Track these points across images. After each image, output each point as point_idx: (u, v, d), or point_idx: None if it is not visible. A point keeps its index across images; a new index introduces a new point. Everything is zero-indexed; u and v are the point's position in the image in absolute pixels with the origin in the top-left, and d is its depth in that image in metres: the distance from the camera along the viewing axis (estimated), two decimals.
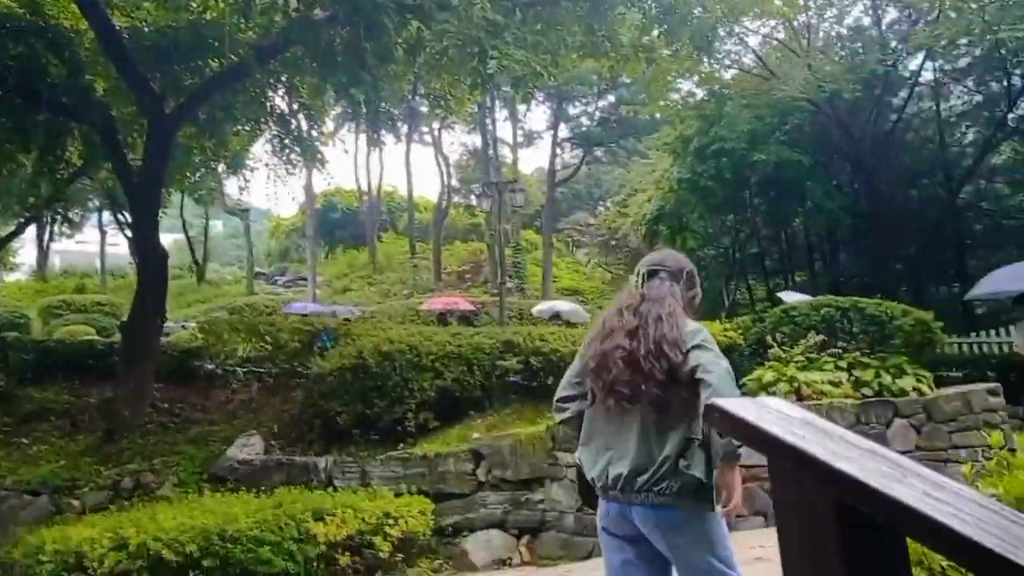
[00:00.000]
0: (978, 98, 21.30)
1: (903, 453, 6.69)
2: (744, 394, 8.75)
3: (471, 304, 21.19)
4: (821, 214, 19.86)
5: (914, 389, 8.44)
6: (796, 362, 8.71)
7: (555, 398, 3.24)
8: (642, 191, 24.72)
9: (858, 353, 8.75)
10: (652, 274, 3.14)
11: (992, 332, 16.26)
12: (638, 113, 29.69)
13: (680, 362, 2.82)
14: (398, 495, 9.41)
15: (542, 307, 21.26)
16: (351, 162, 53.05)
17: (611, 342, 2.96)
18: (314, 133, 15.95)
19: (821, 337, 8.79)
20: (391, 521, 8.88)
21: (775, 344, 8.96)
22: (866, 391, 8.42)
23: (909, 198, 21.49)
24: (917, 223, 20.59)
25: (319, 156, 15.73)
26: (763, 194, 20.81)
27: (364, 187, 41.24)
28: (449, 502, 9.46)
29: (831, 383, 8.47)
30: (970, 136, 22.06)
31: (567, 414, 3.19)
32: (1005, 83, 19.32)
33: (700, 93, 21.08)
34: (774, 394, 8.49)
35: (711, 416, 1.45)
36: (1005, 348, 15.77)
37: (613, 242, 37.37)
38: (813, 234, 23.25)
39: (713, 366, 2.77)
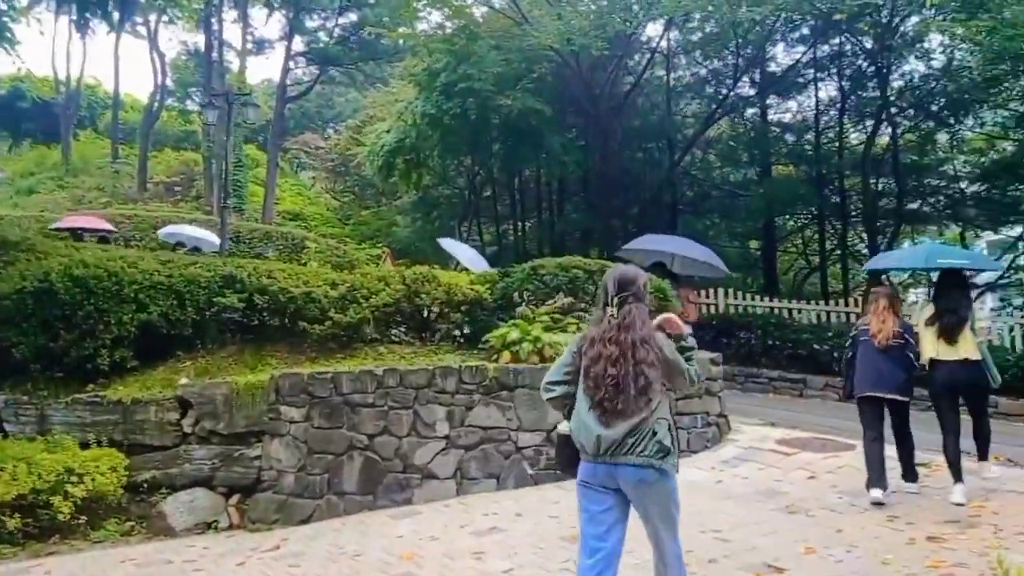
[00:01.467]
0: (703, 72, 22.64)
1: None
2: (483, 349, 8.36)
3: (109, 225, 18.20)
4: (555, 165, 20.18)
5: None
6: (541, 322, 8.48)
7: (544, 381, 3.96)
8: (381, 120, 23.73)
9: None
10: (623, 301, 3.78)
11: (700, 293, 17.48)
12: (381, 37, 28.34)
13: (654, 378, 3.66)
14: (84, 446, 8.12)
15: (167, 231, 18.06)
16: (47, 46, 46.04)
17: (601, 367, 3.68)
18: (3, 6, 13.30)
19: (569, 299, 8.63)
20: (74, 478, 7.62)
21: (522, 302, 8.68)
22: None
23: (636, 160, 22.50)
24: (640, 185, 21.63)
25: (8, 35, 13.17)
26: (503, 139, 20.73)
27: (62, 76, 35.94)
28: (147, 455, 8.33)
29: None
30: (693, 107, 23.49)
31: (554, 394, 3.92)
32: (731, 61, 20.65)
33: (449, 26, 20.36)
34: (517, 353, 8.21)
35: None
36: (704, 309, 17.06)
37: (343, 169, 35.98)
38: (545, 184, 23.69)
39: (692, 373, 3.86)
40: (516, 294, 8.86)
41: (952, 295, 6.89)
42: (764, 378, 15.30)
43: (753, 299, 17.89)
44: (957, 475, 6.53)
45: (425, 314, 9.43)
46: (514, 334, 8.36)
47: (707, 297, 17.46)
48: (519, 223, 24.24)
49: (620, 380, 3.61)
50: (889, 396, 6.61)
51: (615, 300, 3.79)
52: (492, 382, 7.98)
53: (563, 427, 3.95)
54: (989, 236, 25.09)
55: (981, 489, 6.68)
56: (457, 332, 9.33)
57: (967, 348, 6.63)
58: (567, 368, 3.89)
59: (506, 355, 8.28)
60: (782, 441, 8.38)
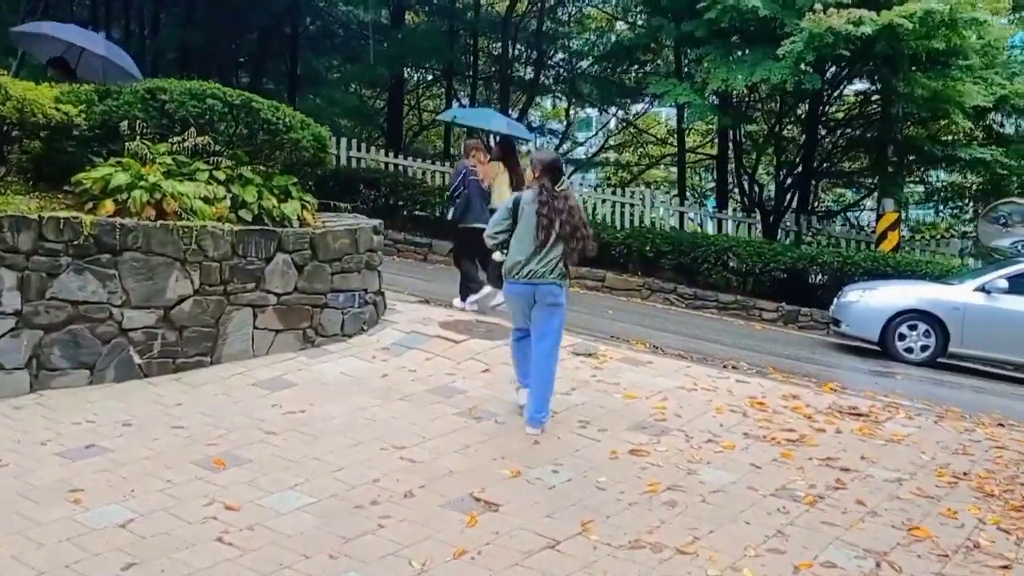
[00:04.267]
0: None
1: (281, 297, 5.22)
2: (72, 194, 6.19)
3: None
4: None
5: (299, 218, 7.01)
6: (162, 164, 6.41)
7: (490, 232, 5.65)
8: None
9: (245, 167, 6.84)
10: (559, 176, 5.63)
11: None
12: None
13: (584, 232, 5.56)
14: None
15: None
16: None
17: (558, 221, 5.34)
18: None
19: (204, 138, 6.59)
20: None
21: (136, 135, 6.46)
22: (245, 214, 6.66)
23: None
24: (258, 8, 18.79)
25: None
26: None
27: None
28: None
29: (205, 199, 6.46)
30: None
31: (498, 241, 5.62)
32: None
33: None
34: (126, 203, 6.14)
35: None
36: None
37: None
38: None
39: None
40: (125, 124, 6.59)
41: (516, 158, 9.06)
42: (389, 240, 14.31)
43: (379, 153, 16.76)
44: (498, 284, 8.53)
45: None
46: (121, 177, 6.21)
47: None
48: (103, 26, 19.92)
49: (570, 230, 5.32)
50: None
51: (563, 179, 5.73)
52: (88, 241, 5.84)
53: (497, 256, 5.72)
54: (587, 111, 26.58)
55: (658, 391, 6.43)
56: (32, 167, 6.79)
57: None
58: (508, 222, 5.47)
59: (108, 205, 6.14)
60: (446, 325, 7.47)
